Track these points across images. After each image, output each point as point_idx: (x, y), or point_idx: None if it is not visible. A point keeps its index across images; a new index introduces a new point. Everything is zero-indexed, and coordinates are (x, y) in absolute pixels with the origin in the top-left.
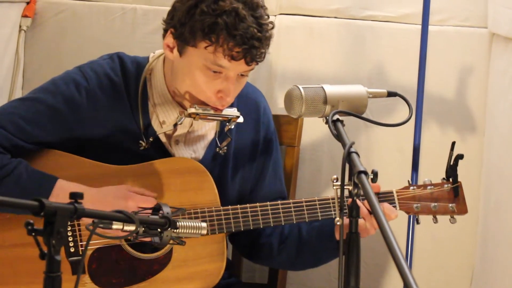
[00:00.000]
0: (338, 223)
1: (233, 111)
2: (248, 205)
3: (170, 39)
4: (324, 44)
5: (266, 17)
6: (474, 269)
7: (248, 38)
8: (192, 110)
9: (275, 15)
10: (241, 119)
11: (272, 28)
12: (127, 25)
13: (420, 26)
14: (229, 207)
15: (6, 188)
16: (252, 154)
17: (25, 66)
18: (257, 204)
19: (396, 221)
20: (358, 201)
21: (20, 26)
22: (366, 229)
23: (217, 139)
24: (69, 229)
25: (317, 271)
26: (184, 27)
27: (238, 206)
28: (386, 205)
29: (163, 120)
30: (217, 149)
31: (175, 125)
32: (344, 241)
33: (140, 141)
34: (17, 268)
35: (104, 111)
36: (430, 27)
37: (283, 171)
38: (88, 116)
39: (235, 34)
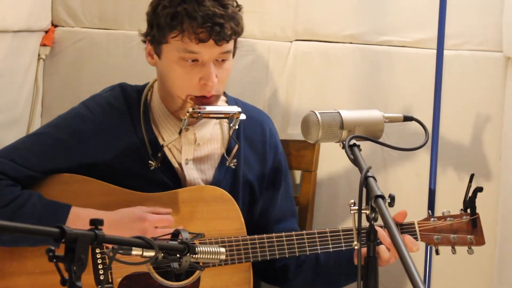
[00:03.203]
0: (356, 248)
1: (234, 108)
2: (274, 234)
3: (148, 47)
4: (340, 70)
5: None
6: None
7: (210, 17)
8: (191, 109)
9: (291, 41)
10: (243, 116)
11: (238, 7)
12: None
13: (435, 51)
14: (255, 236)
15: (22, 218)
16: (261, 176)
17: (44, 94)
18: (283, 234)
19: None
20: (382, 231)
21: (38, 55)
22: (387, 258)
23: (225, 154)
24: (98, 256)
25: None
26: (153, 28)
27: (264, 235)
28: (408, 237)
29: (167, 139)
30: (227, 163)
31: (180, 131)
32: (362, 266)
33: (150, 162)
34: None
35: (110, 138)
36: (445, 52)
37: (299, 194)
38: (95, 144)
39: (195, 16)
